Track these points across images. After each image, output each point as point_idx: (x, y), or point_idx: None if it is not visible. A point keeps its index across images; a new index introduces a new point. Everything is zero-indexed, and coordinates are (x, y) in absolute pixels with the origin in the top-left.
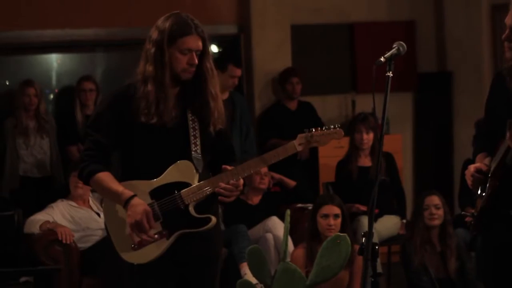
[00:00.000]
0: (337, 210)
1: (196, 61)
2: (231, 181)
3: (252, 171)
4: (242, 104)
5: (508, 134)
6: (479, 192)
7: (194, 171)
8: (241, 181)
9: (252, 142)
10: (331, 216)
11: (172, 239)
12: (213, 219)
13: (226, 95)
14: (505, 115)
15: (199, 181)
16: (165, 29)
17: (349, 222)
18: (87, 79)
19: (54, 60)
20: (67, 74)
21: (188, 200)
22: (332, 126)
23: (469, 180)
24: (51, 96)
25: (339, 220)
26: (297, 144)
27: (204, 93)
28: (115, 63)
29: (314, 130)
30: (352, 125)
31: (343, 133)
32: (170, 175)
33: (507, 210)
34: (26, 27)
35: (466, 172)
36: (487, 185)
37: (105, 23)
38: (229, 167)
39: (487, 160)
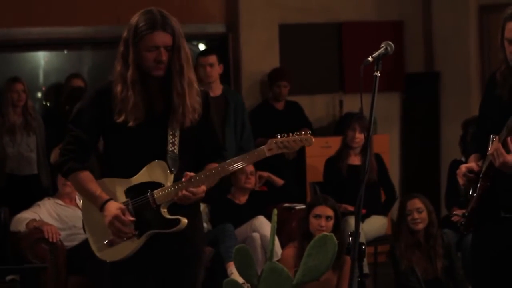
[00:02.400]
0: (330, 212)
1: (164, 57)
2: (190, 189)
3: (222, 176)
4: (236, 101)
5: (490, 150)
6: (470, 192)
7: (168, 171)
8: (202, 188)
9: (248, 138)
10: (323, 217)
11: (143, 238)
12: (183, 221)
13: (219, 92)
14: (497, 118)
15: (174, 182)
16: (131, 27)
17: (341, 225)
18: (76, 77)
19: (41, 58)
20: (54, 72)
21: (160, 201)
22: (303, 132)
23: (461, 180)
24: (39, 94)
25: (331, 222)
26: (266, 150)
27: (171, 89)
28: (103, 61)
29: (285, 135)
30: (346, 122)
31: (313, 140)
32: (144, 174)
33: (498, 210)
34: (13, 24)
35: (458, 172)
36: (478, 185)
37: (92, 21)
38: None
39: (480, 162)
